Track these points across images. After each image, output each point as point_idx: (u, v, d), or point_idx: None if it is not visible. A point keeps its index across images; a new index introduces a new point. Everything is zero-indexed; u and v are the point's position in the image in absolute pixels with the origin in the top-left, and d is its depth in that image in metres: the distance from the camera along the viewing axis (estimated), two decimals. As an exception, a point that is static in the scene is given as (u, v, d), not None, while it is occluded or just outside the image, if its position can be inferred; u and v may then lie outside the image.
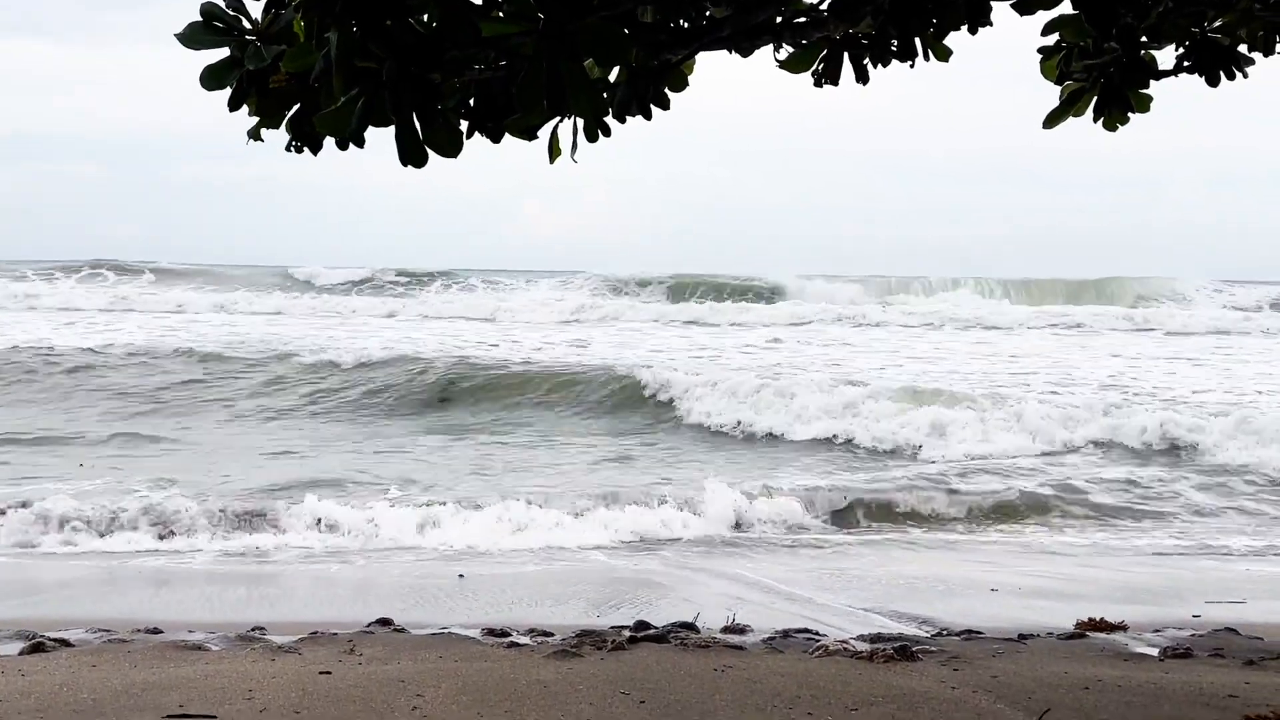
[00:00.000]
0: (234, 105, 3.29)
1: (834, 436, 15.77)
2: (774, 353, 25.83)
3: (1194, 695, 5.64)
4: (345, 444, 15.68)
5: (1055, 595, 8.96)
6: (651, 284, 43.40)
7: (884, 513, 11.87)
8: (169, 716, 5.07)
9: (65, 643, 6.52)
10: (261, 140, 3.44)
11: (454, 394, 19.21)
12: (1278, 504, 12.41)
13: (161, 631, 6.93)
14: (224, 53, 3.25)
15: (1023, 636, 7.00)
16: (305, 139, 3.33)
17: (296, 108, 3.28)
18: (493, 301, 39.09)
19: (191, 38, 3.22)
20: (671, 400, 17.81)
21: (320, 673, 5.79)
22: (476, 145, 3.37)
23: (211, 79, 3.24)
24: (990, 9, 3.91)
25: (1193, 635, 7.15)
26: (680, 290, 42.71)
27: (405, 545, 10.23)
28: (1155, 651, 6.63)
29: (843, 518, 11.69)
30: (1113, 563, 9.97)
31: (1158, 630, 7.32)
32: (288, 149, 3.40)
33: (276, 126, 3.35)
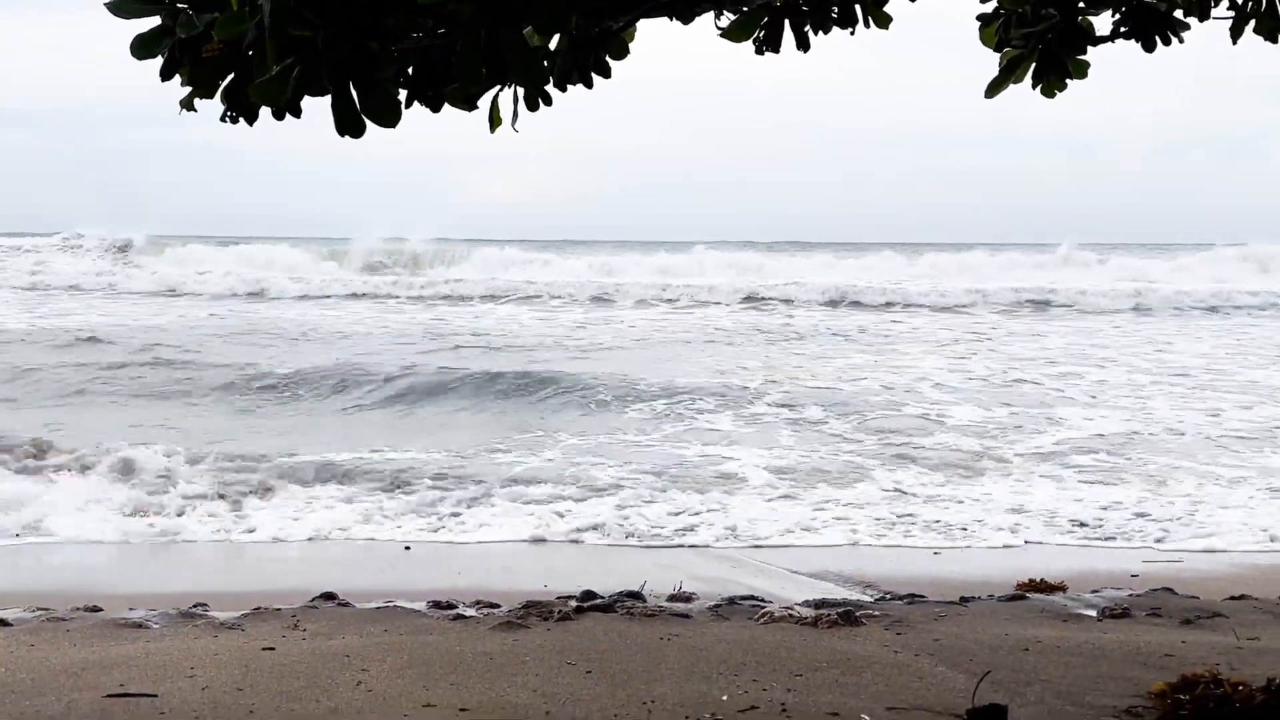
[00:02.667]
0: (166, 75, 3.20)
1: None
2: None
3: (1132, 655, 5.74)
4: None
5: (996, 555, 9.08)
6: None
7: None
8: (109, 696, 5.00)
9: (3, 622, 6.42)
10: (195, 110, 3.36)
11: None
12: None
13: (101, 609, 6.84)
14: (155, 21, 3.17)
15: (964, 599, 7.08)
16: (240, 109, 3.26)
17: (231, 77, 3.21)
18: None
19: (120, 6, 3.13)
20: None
21: (263, 649, 5.75)
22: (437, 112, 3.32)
23: (142, 48, 3.16)
24: (930, -25, 3.91)
25: (1130, 595, 7.27)
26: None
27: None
28: (1094, 612, 6.73)
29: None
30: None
31: (1096, 591, 7.43)
32: (223, 119, 3.32)
33: (210, 96, 3.28)
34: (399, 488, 10.82)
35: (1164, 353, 22.29)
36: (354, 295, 37.02)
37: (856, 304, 34.40)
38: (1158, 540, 9.46)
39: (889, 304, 34.27)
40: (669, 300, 35.50)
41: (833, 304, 34.38)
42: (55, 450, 11.95)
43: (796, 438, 13.52)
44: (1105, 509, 10.34)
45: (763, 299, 35.27)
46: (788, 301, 34.81)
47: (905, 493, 10.95)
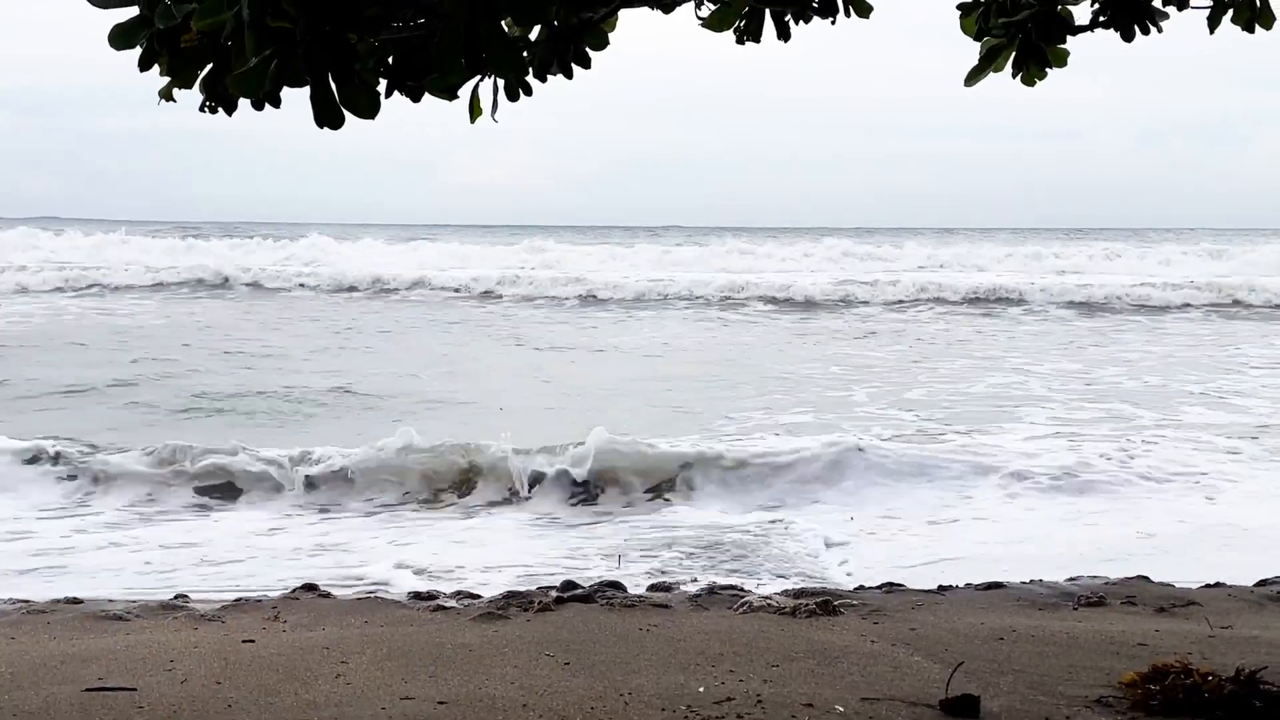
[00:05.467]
0: (144, 65, 3.19)
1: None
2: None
3: (1105, 644, 5.77)
4: None
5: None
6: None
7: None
8: (89, 690, 4.98)
9: (-20, 615, 6.39)
10: (174, 100, 3.35)
11: None
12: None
13: (82, 602, 6.82)
14: (133, 11, 3.15)
15: (941, 588, 7.12)
16: (219, 99, 3.25)
17: (209, 68, 3.19)
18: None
19: (99, -3, 3.12)
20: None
21: (243, 641, 5.73)
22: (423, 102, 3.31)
23: (120, 39, 3.14)
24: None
25: (1106, 584, 7.31)
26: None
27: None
28: (1070, 601, 6.77)
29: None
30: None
31: (1072, 579, 7.48)
32: (201, 109, 3.31)
33: (189, 86, 3.27)
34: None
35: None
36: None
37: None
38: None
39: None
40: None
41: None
42: None
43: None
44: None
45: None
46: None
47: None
